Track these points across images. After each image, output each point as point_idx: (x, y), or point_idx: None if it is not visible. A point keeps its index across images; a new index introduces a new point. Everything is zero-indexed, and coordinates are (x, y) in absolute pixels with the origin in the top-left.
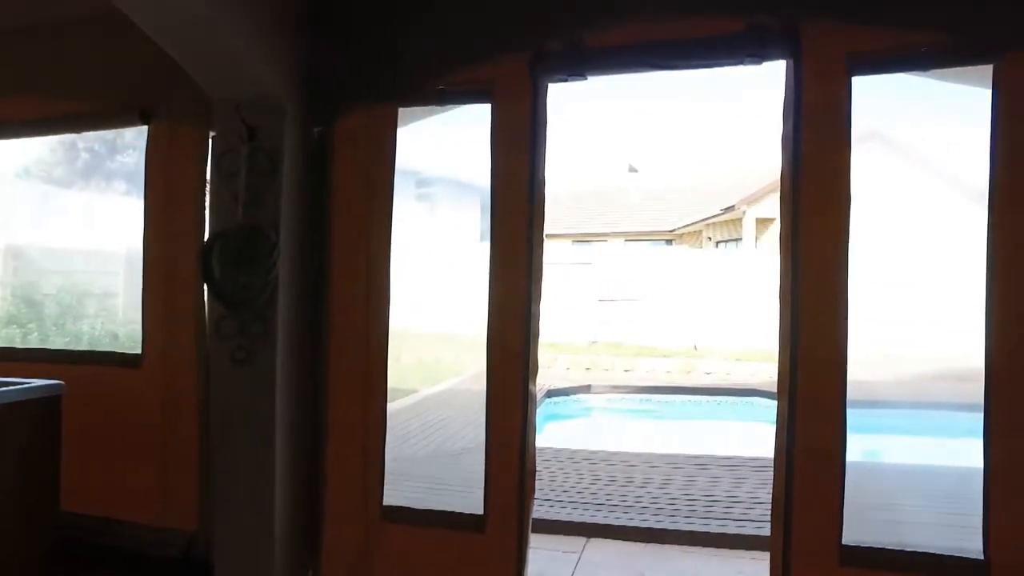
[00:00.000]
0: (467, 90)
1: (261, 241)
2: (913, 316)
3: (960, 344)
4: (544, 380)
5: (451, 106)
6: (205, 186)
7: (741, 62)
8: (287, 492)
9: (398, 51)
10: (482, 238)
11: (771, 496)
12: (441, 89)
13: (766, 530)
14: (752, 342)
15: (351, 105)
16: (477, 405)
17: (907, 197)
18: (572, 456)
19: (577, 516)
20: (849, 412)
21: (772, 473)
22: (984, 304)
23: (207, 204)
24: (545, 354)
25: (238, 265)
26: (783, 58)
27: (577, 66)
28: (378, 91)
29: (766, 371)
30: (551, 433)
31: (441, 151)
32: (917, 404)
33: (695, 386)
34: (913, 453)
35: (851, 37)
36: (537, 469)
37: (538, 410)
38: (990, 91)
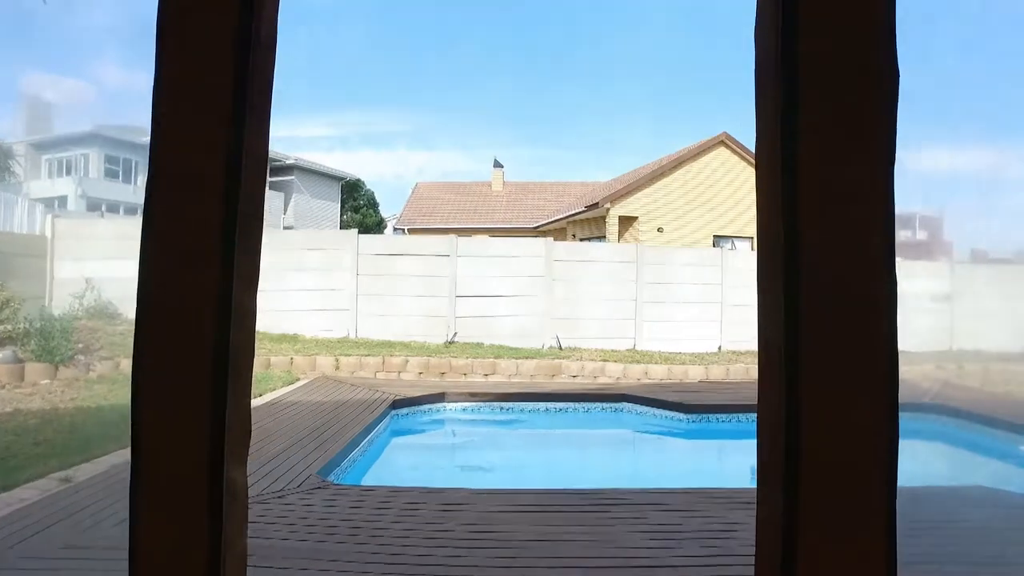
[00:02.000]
0: None
1: None
2: None
3: None
4: (392, 388)
5: None
6: None
7: None
8: None
9: None
10: (284, 225)
11: None
12: None
13: None
14: (619, 342)
15: None
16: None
17: None
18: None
19: None
20: None
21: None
22: None
23: None
24: (395, 357)
25: None
26: None
27: None
28: None
29: (634, 372)
30: (394, 453)
31: None
32: None
33: (562, 392)
34: None
35: None
36: None
37: (381, 424)
38: None
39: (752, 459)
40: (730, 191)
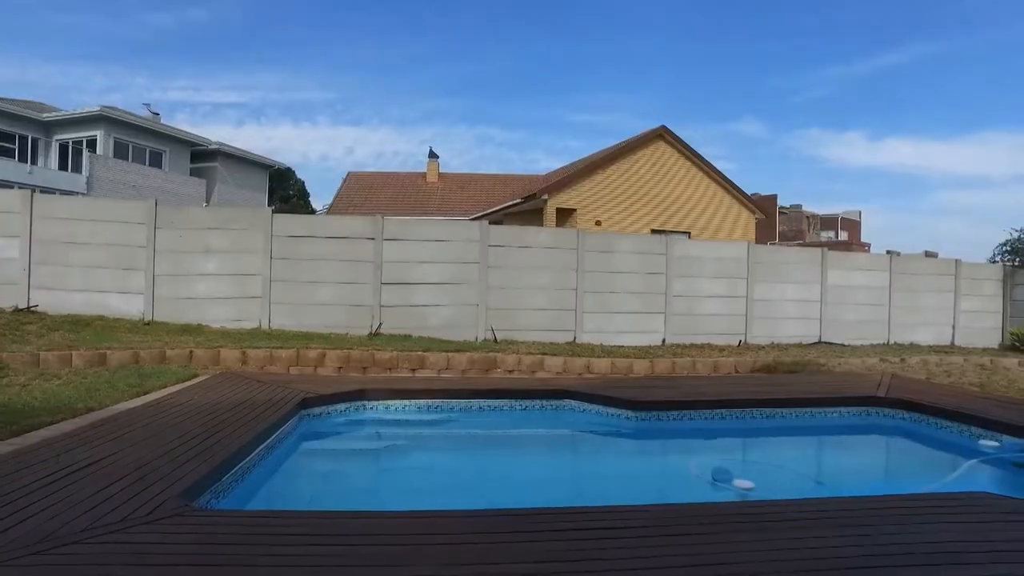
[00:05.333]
0: None
1: None
2: None
3: None
4: (304, 385)
5: None
6: None
7: None
8: None
9: None
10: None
11: None
12: None
13: None
14: (559, 335)
15: None
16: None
17: None
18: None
19: None
20: None
21: None
22: None
23: None
24: (311, 350)
25: None
26: None
27: None
28: None
29: (575, 366)
30: (299, 463)
31: None
32: None
33: (497, 388)
34: None
35: None
36: None
37: (285, 427)
38: None
39: (715, 461)
40: (668, 186)
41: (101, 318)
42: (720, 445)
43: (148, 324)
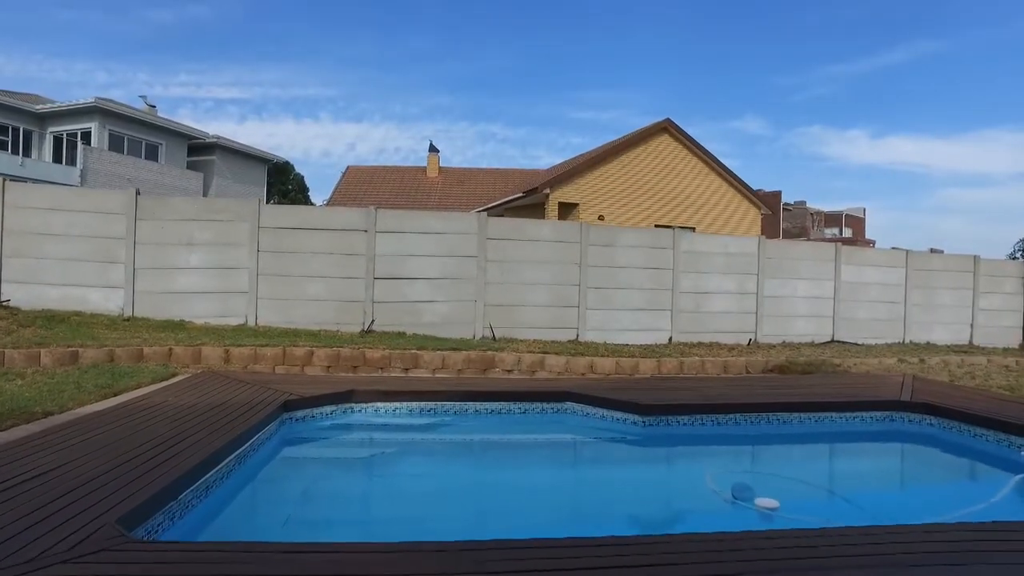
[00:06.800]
0: None
1: None
2: None
3: None
4: (289, 385)
5: None
6: None
7: None
8: None
9: None
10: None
11: None
12: None
13: None
14: (561, 332)
15: None
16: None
17: None
18: None
19: None
20: None
21: None
22: None
23: None
24: (299, 348)
25: None
26: None
27: None
28: None
29: (577, 366)
30: (278, 475)
31: None
32: None
33: (494, 390)
34: None
35: None
36: None
37: (262, 433)
38: None
39: (733, 473)
40: (673, 181)
41: (78, 314)
42: (736, 454)
43: (128, 320)
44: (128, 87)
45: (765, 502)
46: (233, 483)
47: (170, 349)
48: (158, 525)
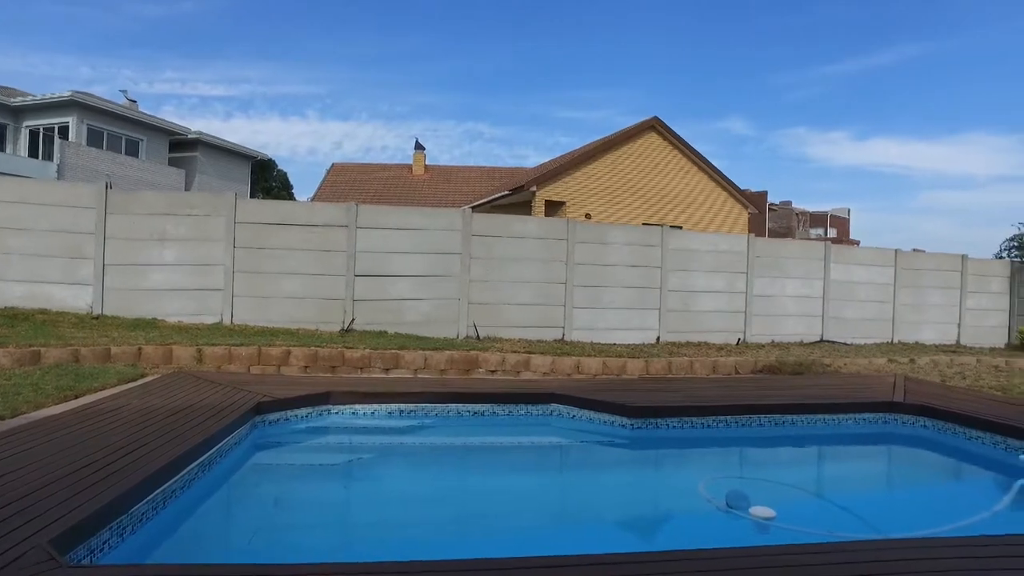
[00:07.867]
0: None
1: None
2: None
3: None
4: (264, 386)
5: None
6: None
7: None
8: None
9: None
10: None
11: None
12: None
13: None
14: (546, 331)
15: None
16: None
17: None
18: None
19: None
20: None
21: None
22: None
23: None
24: (275, 348)
25: None
26: None
27: None
28: None
29: (563, 366)
30: (246, 484)
31: None
32: None
33: (478, 391)
34: None
35: None
36: None
37: (230, 439)
38: None
39: (727, 479)
40: (661, 179)
41: (43, 311)
42: (727, 457)
43: (96, 318)
44: (112, 83)
45: (761, 511)
46: (196, 494)
47: (140, 349)
48: (102, 544)
